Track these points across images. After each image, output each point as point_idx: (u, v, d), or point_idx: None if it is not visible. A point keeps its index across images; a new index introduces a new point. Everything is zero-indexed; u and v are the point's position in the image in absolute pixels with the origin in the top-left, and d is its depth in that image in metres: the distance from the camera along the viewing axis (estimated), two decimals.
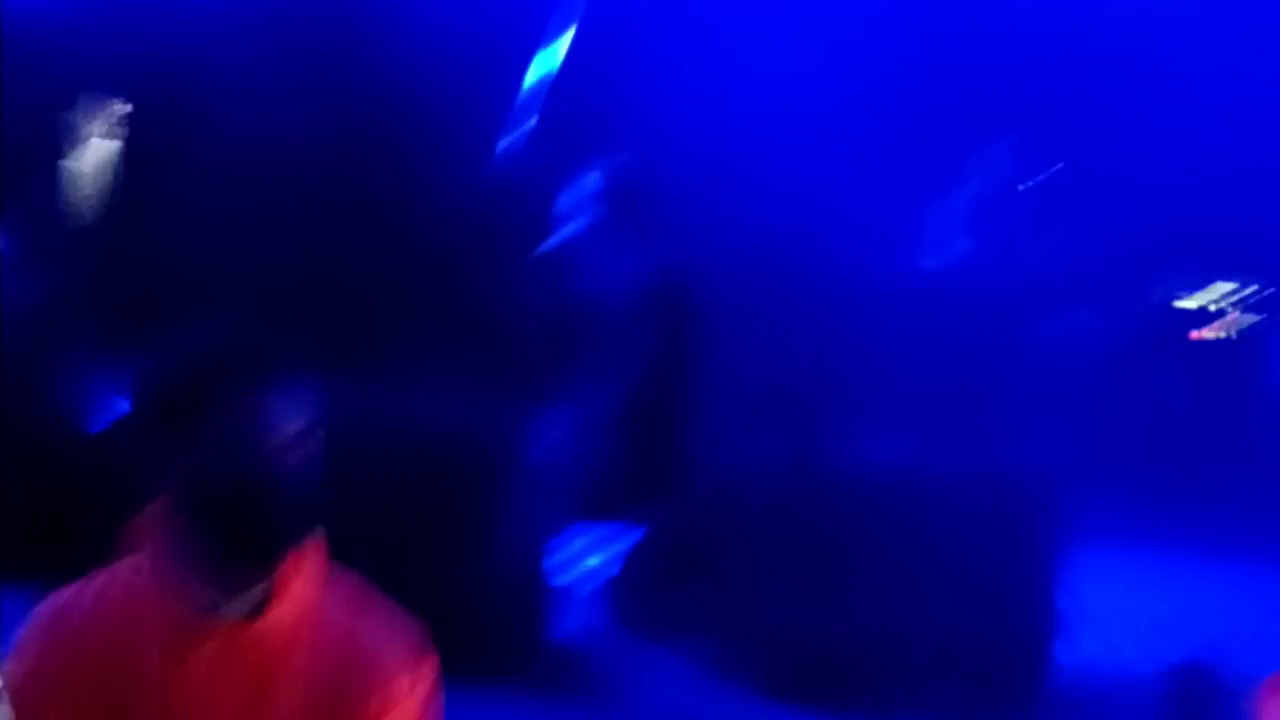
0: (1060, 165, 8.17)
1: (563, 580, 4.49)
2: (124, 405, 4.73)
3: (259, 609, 2.16)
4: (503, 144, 5.36)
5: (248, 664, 2.15)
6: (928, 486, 4.43)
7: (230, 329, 2.24)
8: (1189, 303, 7.77)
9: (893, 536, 4.20)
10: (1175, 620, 5.67)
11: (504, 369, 5.78)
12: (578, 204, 5.77)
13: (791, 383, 6.73)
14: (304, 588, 2.18)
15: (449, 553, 4.03)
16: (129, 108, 6.16)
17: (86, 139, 5.99)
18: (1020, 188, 7.88)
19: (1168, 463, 7.35)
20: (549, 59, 5.71)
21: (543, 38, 5.71)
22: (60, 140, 6.00)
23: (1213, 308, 7.62)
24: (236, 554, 2.14)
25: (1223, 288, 8.07)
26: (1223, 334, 7.55)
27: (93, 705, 2.16)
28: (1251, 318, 8.03)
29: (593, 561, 5.02)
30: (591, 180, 5.79)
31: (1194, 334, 7.35)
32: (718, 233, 6.58)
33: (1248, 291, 8.02)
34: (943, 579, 4.20)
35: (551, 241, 5.80)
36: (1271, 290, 8.15)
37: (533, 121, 5.74)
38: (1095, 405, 7.62)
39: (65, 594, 2.23)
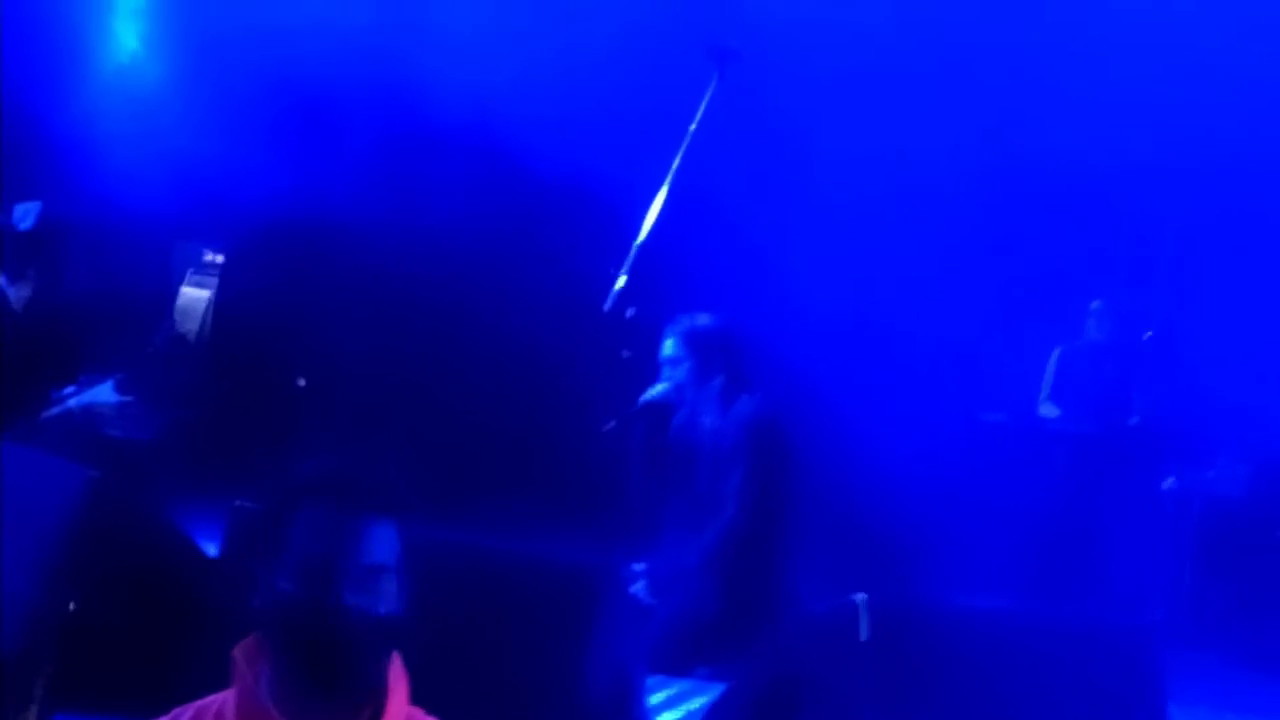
0: (1149, 334, 8.14)
1: None
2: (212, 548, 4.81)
3: None
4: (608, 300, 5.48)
5: None
6: (1023, 637, 4.33)
7: (321, 463, 2.28)
8: None
9: (984, 687, 4.10)
10: None
11: (597, 513, 5.81)
12: (676, 354, 5.86)
13: (881, 528, 6.73)
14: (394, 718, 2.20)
15: (530, 699, 3.99)
16: (220, 257, 6.31)
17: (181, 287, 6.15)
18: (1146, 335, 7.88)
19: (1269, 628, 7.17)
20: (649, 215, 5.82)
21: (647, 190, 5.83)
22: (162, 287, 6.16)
23: None
24: (315, 686, 2.16)
25: None
26: None
27: None
28: None
29: (671, 717, 4.97)
30: (689, 330, 5.88)
31: None
32: (805, 382, 6.62)
33: None
34: None
35: (654, 389, 5.89)
36: None
37: (622, 281, 5.85)
38: (1206, 563, 7.50)
39: None
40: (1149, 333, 8.01)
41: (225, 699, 2.25)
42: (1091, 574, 7.53)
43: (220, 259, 6.43)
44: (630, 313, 5.54)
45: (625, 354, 5.61)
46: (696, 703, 5.04)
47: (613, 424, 5.94)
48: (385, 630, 2.17)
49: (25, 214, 5.42)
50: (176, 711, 2.28)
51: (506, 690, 3.05)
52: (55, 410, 5.29)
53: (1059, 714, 4.17)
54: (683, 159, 5.63)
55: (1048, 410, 8.07)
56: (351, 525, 2.19)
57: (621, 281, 5.56)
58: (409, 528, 2.24)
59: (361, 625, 2.15)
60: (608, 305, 5.51)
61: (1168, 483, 7.73)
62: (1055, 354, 8.20)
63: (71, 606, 3.98)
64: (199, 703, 2.27)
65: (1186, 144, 7.79)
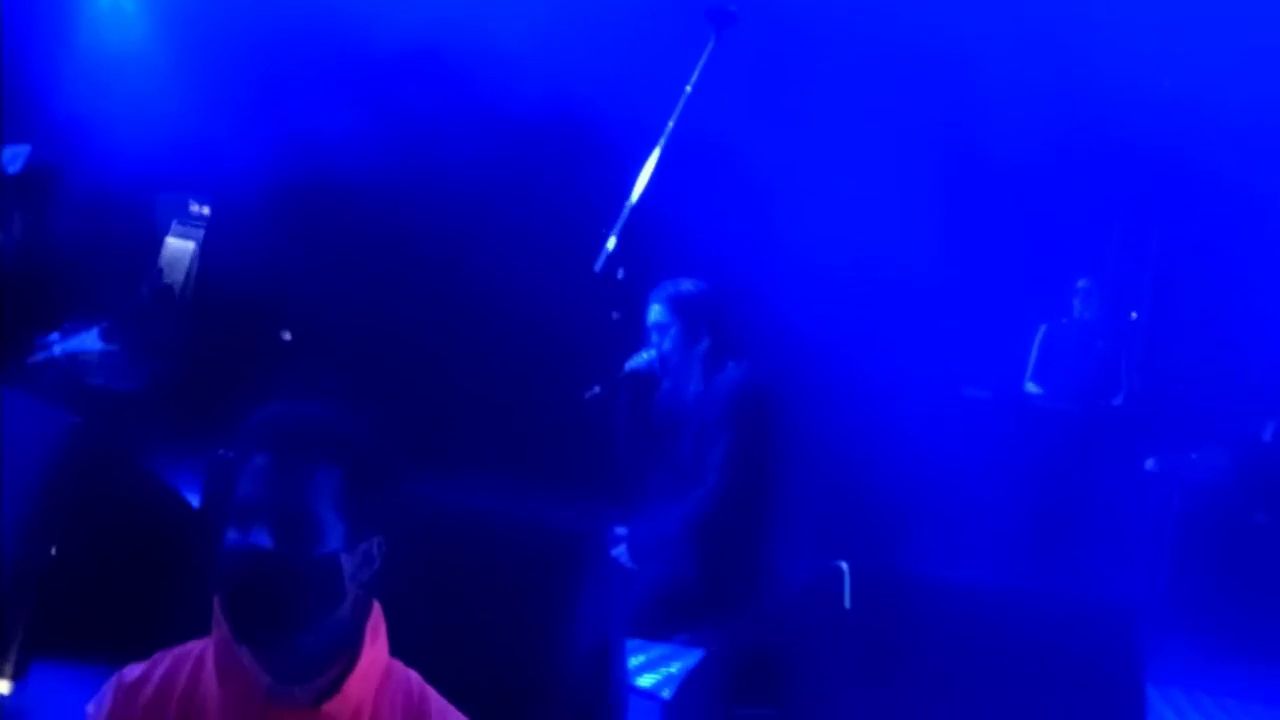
0: (1135, 315, 8.15)
1: (621, 696, 4.43)
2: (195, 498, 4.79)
3: (319, 700, 2.15)
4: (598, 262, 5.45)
5: None
6: (1004, 612, 4.34)
7: (267, 410, 2.27)
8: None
9: (964, 661, 4.10)
10: None
11: (581, 478, 5.80)
12: (662, 319, 5.85)
13: (864, 500, 6.74)
14: (363, 684, 2.19)
15: (510, 657, 3.99)
16: (206, 208, 6.28)
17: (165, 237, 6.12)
18: (1132, 315, 7.89)
19: (1255, 611, 7.19)
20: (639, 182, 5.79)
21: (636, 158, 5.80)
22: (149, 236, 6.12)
23: None
24: (249, 631, 2.16)
25: None
26: None
27: None
28: None
29: (648, 680, 4.98)
30: (675, 295, 5.87)
31: None
32: (792, 352, 6.61)
33: None
34: (1014, 710, 4.09)
35: (639, 355, 5.88)
36: None
37: (613, 243, 5.82)
38: (1186, 545, 7.52)
39: (136, 668, 2.27)
40: (1134, 313, 8.03)
41: (205, 646, 2.24)
42: (1072, 551, 7.55)
43: (206, 210, 6.38)
44: (621, 274, 5.52)
45: (615, 316, 5.60)
46: (675, 667, 5.05)
47: (597, 389, 5.93)
48: (314, 577, 2.13)
49: (13, 158, 5.38)
50: (157, 656, 2.27)
51: (486, 649, 3.04)
52: (40, 356, 5.26)
53: (1038, 688, 4.19)
54: (677, 121, 5.61)
55: (1032, 388, 8.09)
56: (278, 469, 2.17)
57: (612, 243, 5.54)
58: (360, 477, 2.20)
59: (283, 570, 2.13)
60: (598, 266, 5.49)
61: (1150, 463, 7.75)
62: (1041, 331, 8.21)
63: (53, 551, 3.97)
64: (179, 648, 2.26)
65: (1175, 122, 7.79)
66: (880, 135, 7.36)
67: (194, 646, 2.24)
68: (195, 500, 4.78)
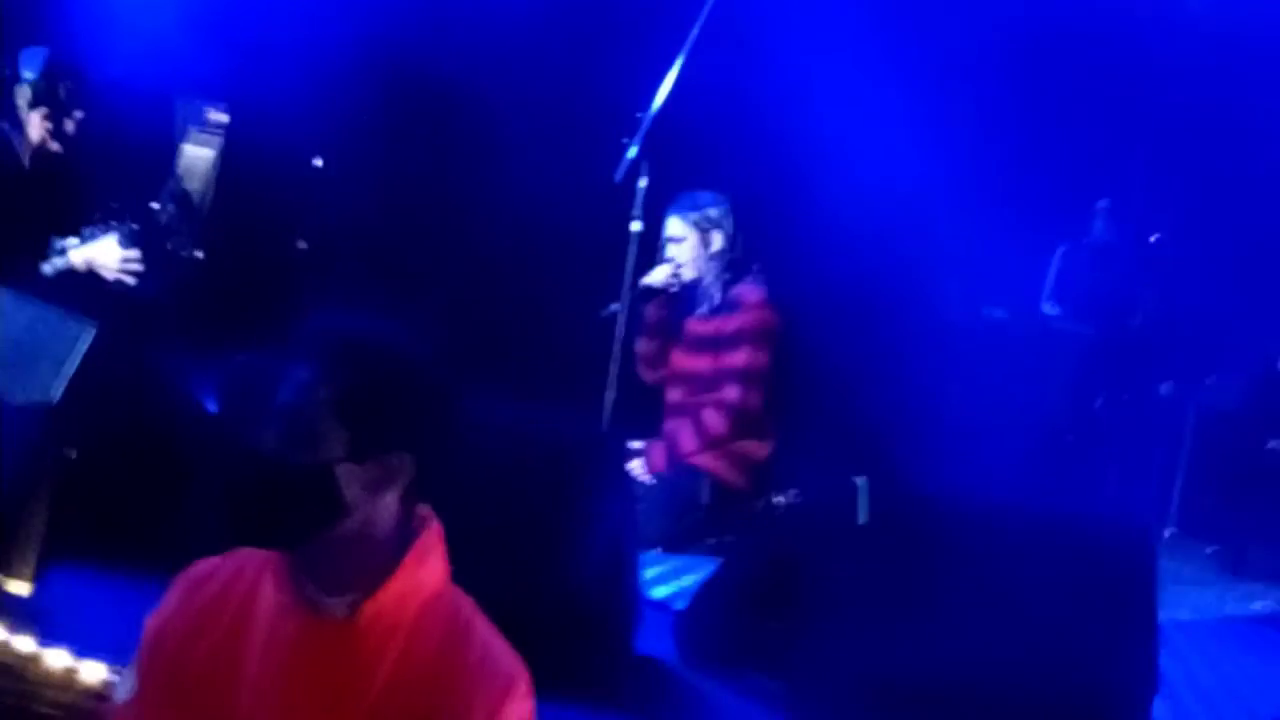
0: (1156, 237, 8.10)
1: (637, 606, 4.46)
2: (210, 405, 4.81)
3: (355, 612, 2.16)
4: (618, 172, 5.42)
5: (338, 664, 2.15)
6: (1017, 529, 4.35)
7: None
8: None
9: (977, 578, 4.11)
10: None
11: (599, 392, 5.81)
12: (679, 233, 5.83)
13: (880, 416, 6.73)
14: (397, 603, 2.17)
15: (524, 566, 4.00)
16: (225, 116, 6.24)
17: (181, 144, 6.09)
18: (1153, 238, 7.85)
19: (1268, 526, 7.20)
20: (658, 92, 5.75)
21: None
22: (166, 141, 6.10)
23: None
24: (252, 539, 2.17)
25: None
26: None
27: (204, 665, 2.20)
28: None
29: (661, 592, 5.01)
30: (692, 208, 5.85)
31: None
32: (810, 266, 6.59)
33: None
34: (1030, 626, 4.11)
35: (656, 269, 5.87)
36: None
37: (633, 152, 5.79)
38: (1199, 470, 7.52)
39: (208, 564, 2.28)
40: (1155, 236, 7.97)
41: (247, 557, 2.25)
42: (1086, 471, 7.56)
43: (225, 117, 6.35)
44: (643, 184, 5.49)
45: (637, 225, 5.57)
46: (689, 579, 5.08)
47: (615, 305, 5.92)
48: (305, 484, 2.11)
49: (32, 60, 5.35)
50: (231, 553, 2.27)
51: (501, 561, 3.04)
52: (57, 260, 5.26)
53: (1051, 606, 4.21)
54: (701, 27, 5.54)
55: (1050, 308, 8.06)
56: (289, 373, 2.15)
57: (633, 152, 5.50)
58: (375, 388, 2.17)
59: (272, 473, 2.11)
60: (618, 177, 5.46)
61: (1165, 387, 7.74)
62: (1059, 252, 8.18)
63: (72, 455, 3.99)
64: (252, 549, 2.26)
65: (1205, 40, 7.71)
66: (906, 49, 7.29)
67: (259, 553, 2.25)
68: (211, 405, 4.80)
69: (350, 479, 2.13)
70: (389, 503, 2.18)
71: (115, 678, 3.31)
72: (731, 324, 5.81)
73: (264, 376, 2.25)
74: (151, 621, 2.26)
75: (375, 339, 2.21)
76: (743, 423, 5.77)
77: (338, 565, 2.16)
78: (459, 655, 2.17)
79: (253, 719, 2.15)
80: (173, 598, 2.26)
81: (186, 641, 2.21)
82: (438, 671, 2.15)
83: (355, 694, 2.14)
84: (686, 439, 5.79)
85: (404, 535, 2.20)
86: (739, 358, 5.77)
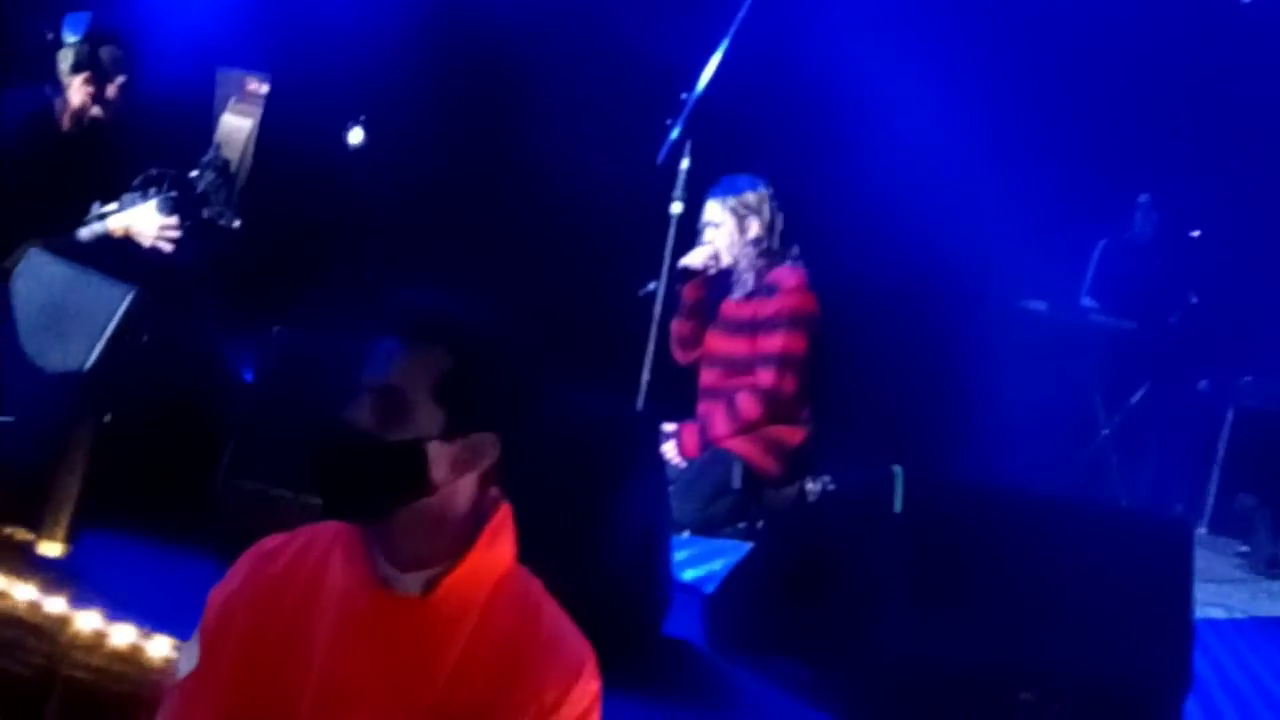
0: (1198, 232, 8.04)
1: (668, 589, 4.45)
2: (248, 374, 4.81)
3: (429, 590, 2.17)
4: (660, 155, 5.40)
5: (413, 639, 2.15)
6: (1053, 521, 4.31)
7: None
8: None
9: (1010, 571, 4.08)
10: None
11: (635, 372, 5.79)
12: (717, 217, 5.81)
13: (918, 406, 6.72)
14: (470, 582, 2.18)
15: (556, 546, 3.98)
16: (265, 86, 6.22)
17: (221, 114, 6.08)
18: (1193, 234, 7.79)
19: None
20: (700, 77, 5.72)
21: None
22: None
23: None
24: (338, 512, 2.16)
25: None
26: None
27: (274, 639, 2.19)
28: None
29: (691, 574, 5.00)
30: (730, 192, 5.83)
31: None
32: (849, 253, 6.57)
33: None
34: (1063, 619, 4.08)
35: (694, 251, 5.85)
36: None
37: (675, 133, 5.76)
38: (1234, 467, 7.47)
39: (276, 539, 2.28)
40: (1196, 231, 7.92)
41: (326, 531, 2.24)
42: (1122, 466, 7.53)
43: (265, 88, 6.33)
44: (685, 166, 5.46)
45: (677, 207, 5.54)
46: (719, 564, 5.06)
47: (652, 285, 5.90)
48: (395, 460, 2.12)
49: (75, 24, 5.34)
50: (301, 529, 2.27)
51: (533, 540, 3.02)
52: (96, 226, 5.26)
53: (1085, 600, 4.18)
54: (747, 8, 5.51)
55: (1089, 302, 8.01)
56: (384, 350, 2.15)
57: (676, 133, 5.48)
58: (469, 368, 2.16)
59: (364, 448, 2.12)
60: (660, 158, 5.43)
61: (1203, 384, 7.69)
62: (1100, 246, 8.13)
63: (107, 419, 3.99)
64: (321, 524, 2.26)
65: (1248, 36, 7.64)
66: (951, 37, 7.25)
67: (334, 524, 2.24)
68: (248, 374, 4.80)
69: (439, 457, 2.14)
70: (469, 482, 2.18)
71: (146, 643, 3.32)
72: (769, 308, 5.78)
73: (320, 350, 2.25)
74: (217, 595, 2.25)
75: (471, 319, 2.21)
76: (776, 408, 5.74)
77: (413, 542, 2.16)
78: (530, 635, 2.18)
79: (324, 694, 2.14)
80: (240, 572, 2.25)
81: (256, 616, 2.20)
82: (509, 650, 2.16)
83: (428, 671, 2.14)
84: (719, 423, 5.77)
85: (478, 515, 2.21)
86: (775, 342, 5.74)
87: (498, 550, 2.20)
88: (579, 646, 2.21)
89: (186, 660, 2.25)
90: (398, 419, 2.12)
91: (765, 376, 5.74)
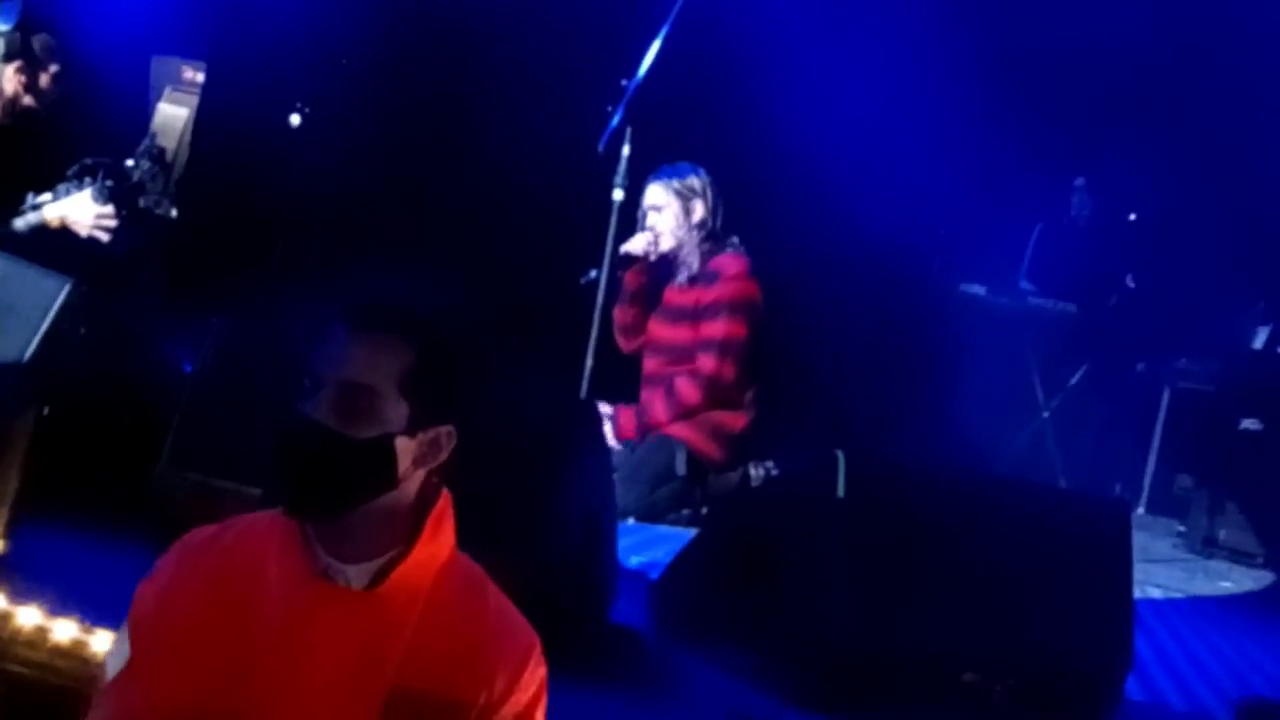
0: (1134, 216, 8.11)
1: (613, 575, 4.45)
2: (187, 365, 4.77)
3: (372, 584, 2.15)
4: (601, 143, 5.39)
5: (361, 632, 2.14)
6: (995, 503, 4.35)
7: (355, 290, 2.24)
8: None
9: (953, 553, 4.11)
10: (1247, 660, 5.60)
11: (573, 361, 5.78)
12: (659, 202, 5.81)
13: (858, 390, 6.76)
14: (418, 573, 2.17)
15: (498, 533, 3.97)
16: (200, 74, 6.17)
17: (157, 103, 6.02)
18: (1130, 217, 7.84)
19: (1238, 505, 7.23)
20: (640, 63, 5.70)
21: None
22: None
23: None
24: (304, 512, 2.14)
25: None
26: None
27: (211, 632, 2.16)
28: None
29: (637, 561, 5.00)
30: (673, 178, 5.83)
31: None
32: (790, 240, 6.58)
33: None
34: (1005, 601, 4.11)
35: (636, 238, 5.84)
36: None
37: (616, 120, 5.75)
38: (1172, 448, 7.55)
39: (204, 532, 2.24)
40: (1133, 215, 7.98)
41: (276, 515, 2.21)
42: (1061, 448, 7.59)
43: (201, 76, 6.27)
44: (626, 152, 5.46)
45: (619, 194, 5.54)
46: (663, 550, 5.06)
47: (594, 273, 5.89)
48: (366, 457, 2.10)
49: (7, 13, 5.28)
50: (230, 520, 2.24)
51: (478, 528, 3.01)
52: (31, 216, 5.20)
53: (1026, 581, 4.22)
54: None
55: (1026, 285, 8.07)
56: (349, 344, 2.13)
57: (616, 121, 5.47)
58: (433, 362, 2.15)
59: (335, 446, 2.10)
60: (602, 145, 5.43)
61: (1140, 366, 7.76)
62: (1037, 230, 8.19)
63: (45, 412, 3.94)
64: (252, 515, 2.23)
65: (1180, 19, 7.70)
66: (887, 25, 7.27)
67: (266, 515, 2.21)
68: (187, 364, 4.76)
69: (404, 452, 2.14)
70: (424, 473, 2.18)
71: (88, 637, 3.29)
72: (710, 294, 5.79)
73: (260, 340, 2.23)
74: (147, 588, 2.21)
75: (431, 310, 2.20)
76: (716, 393, 5.75)
77: (362, 536, 2.15)
78: (477, 622, 2.18)
79: (273, 690, 2.12)
80: (170, 565, 2.22)
81: (193, 610, 2.16)
82: (457, 638, 2.16)
83: (378, 662, 2.13)
84: (659, 408, 5.77)
85: (421, 504, 2.20)
86: (717, 328, 5.75)
87: (441, 539, 2.19)
88: (525, 632, 2.21)
89: (116, 658, 2.21)
90: (365, 415, 2.10)
91: (706, 362, 5.75)
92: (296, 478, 2.13)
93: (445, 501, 2.22)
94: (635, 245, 5.88)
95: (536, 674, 2.19)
